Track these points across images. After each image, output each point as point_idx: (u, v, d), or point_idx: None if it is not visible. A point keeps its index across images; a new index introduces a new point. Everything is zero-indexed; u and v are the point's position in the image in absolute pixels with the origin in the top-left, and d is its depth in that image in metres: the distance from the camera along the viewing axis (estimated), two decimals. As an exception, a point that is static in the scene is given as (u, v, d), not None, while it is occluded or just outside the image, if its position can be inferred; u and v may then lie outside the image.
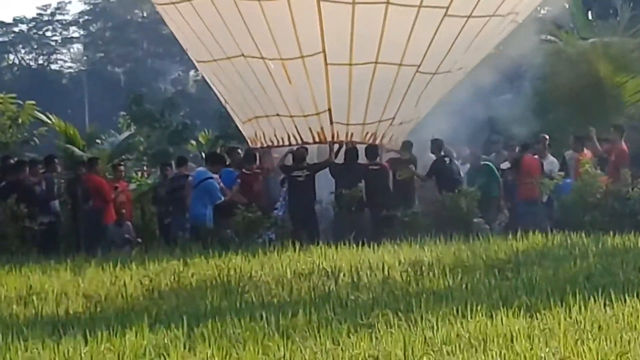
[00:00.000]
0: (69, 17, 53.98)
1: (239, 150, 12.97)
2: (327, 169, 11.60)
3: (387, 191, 11.25)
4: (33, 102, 16.80)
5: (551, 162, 12.06)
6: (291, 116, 12.50)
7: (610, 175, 10.83)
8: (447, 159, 11.74)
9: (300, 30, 11.60)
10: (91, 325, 5.07)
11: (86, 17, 54.00)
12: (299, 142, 12.31)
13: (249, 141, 13.30)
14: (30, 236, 10.39)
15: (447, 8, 11.65)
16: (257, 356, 4.14)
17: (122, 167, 13.55)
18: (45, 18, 53.25)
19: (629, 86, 15.98)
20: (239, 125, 13.94)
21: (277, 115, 12.63)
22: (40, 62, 54.17)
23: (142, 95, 20.82)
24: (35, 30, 53.46)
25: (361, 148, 12.23)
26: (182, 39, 13.92)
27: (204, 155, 16.27)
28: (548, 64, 15.80)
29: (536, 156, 12.18)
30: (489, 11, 11.97)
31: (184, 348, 4.31)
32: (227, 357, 4.18)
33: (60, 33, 55.11)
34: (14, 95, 16.69)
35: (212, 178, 11.18)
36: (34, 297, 6.67)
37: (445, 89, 13.17)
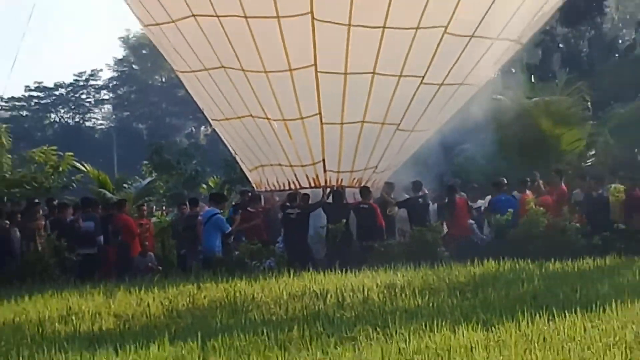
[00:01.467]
0: (100, 82, 53.49)
1: (249, 193, 12.59)
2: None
3: (375, 225, 10.72)
4: (71, 153, 16.43)
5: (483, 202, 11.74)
6: (291, 166, 12.31)
7: (552, 212, 10.32)
8: (421, 199, 11.40)
9: (301, 97, 11.43)
10: (120, 340, 5.00)
11: (115, 82, 53.63)
12: (298, 187, 12.06)
13: (254, 185, 13.05)
14: (70, 266, 10.13)
15: (423, 77, 11.42)
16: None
17: (145, 207, 13.04)
18: (81, 83, 53.02)
19: (566, 137, 15.81)
20: (245, 172, 13.62)
21: (279, 164, 12.40)
22: (77, 120, 53.60)
23: (161, 147, 20.29)
24: (72, 94, 52.99)
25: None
26: (198, 100, 13.60)
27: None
28: (499, 119, 15.42)
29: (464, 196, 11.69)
30: (458, 80, 11.84)
31: (199, 359, 4.30)
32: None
33: (93, 96, 54.74)
34: (55, 147, 16.37)
35: (219, 213, 10.91)
36: (73, 317, 6.52)
37: (420, 143, 12.85)
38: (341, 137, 11.80)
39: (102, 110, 56.62)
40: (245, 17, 10.73)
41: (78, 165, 16.59)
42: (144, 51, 50.76)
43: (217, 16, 10.92)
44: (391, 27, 10.77)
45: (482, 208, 11.49)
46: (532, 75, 19.48)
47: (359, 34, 10.80)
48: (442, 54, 11.15)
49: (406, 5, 10.63)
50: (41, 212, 11.26)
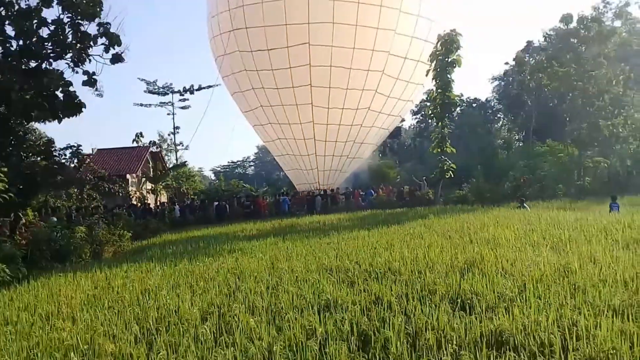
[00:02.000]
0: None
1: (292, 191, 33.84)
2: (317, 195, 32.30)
3: (335, 200, 31.97)
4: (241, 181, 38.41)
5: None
6: (308, 183, 32.69)
7: (386, 195, 31.29)
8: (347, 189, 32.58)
9: (308, 164, 32.04)
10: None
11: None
12: (312, 189, 32.80)
13: (297, 189, 34.31)
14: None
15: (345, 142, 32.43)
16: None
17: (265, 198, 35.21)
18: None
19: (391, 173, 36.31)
20: (293, 183, 34.87)
21: (307, 184, 33.23)
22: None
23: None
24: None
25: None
26: (270, 148, 34.60)
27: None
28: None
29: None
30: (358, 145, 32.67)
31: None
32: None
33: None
34: (242, 181, 37.90)
35: (287, 197, 32.40)
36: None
37: (353, 169, 33.63)
38: (324, 175, 32.44)
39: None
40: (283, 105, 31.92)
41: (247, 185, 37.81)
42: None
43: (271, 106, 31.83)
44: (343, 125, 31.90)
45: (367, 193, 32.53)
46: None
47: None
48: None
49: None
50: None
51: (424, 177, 32.44)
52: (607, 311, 5.85)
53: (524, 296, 6.55)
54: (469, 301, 6.54)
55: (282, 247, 13.08)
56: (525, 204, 22.32)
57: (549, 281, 7.20)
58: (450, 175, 28.40)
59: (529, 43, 38.57)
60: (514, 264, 8.30)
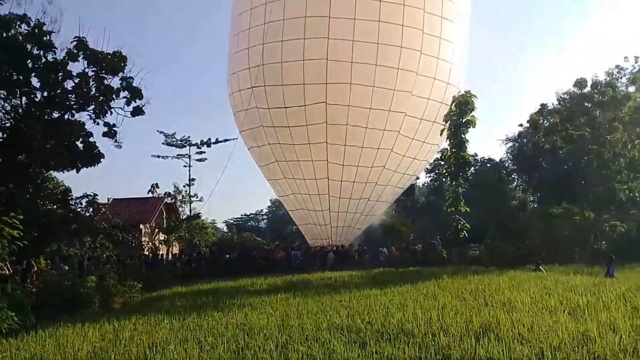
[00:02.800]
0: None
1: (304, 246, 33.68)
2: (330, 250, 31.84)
3: (348, 255, 31.36)
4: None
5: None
6: (321, 239, 32.56)
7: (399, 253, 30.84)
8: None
9: (321, 220, 31.81)
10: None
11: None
12: (323, 244, 32.46)
13: (310, 243, 34.07)
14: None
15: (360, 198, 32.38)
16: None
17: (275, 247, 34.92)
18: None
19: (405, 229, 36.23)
20: (306, 238, 34.65)
21: (319, 239, 32.81)
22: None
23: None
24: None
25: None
26: (284, 202, 34.57)
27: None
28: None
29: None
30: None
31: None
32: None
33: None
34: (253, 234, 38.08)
35: (297, 252, 32.09)
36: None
37: (367, 224, 33.42)
38: (337, 231, 32.04)
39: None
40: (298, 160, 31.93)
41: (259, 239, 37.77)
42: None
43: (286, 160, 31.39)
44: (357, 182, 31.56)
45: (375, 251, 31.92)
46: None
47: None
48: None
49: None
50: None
51: (438, 236, 32.14)
52: (630, 383, 5.61)
53: (541, 364, 6.32)
54: (484, 368, 6.32)
55: (293, 303, 12.87)
56: (541, 267, 21.91)
57: (567, 349, 6.96)
58: (465, 234, 28.12)
59: (543, 106, 38.85)
60: (530, 329, 8.07)
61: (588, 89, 32.84)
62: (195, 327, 10.25)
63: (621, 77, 41.76)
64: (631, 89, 39.58)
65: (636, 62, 42.92)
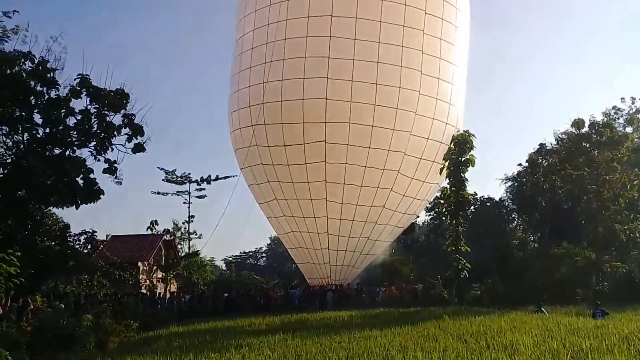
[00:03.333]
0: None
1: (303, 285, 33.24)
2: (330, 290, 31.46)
3: (345, 294, 30.82)
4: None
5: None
6: (320, 278, 31.46)
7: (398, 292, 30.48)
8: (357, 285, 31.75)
9: (320, 259, 31.47)
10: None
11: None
12: (322, 283, 31.80)
13: (309, 282, 33.67)
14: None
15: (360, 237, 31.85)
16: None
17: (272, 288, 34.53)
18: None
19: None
20: (305, 276, 34.18)
21: (319, 278, 31.57)
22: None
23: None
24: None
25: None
26: (284, 240, 34.08)
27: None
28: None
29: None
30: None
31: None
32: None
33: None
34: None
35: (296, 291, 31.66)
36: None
37: (367, 263, 33.05)
38: (336, 270, 31.66)
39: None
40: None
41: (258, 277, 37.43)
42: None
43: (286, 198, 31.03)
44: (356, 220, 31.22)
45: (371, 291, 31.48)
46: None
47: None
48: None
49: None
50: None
51: (439, 276, 31.85)
52: None
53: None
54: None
55: (292, 344, 12.63)
56: (543, 308, 21.66)
57: (571, 394, 6.81)
58: (465, 274, 27.90)
59: (542, 145, 39.08)
60: (533, 373, 7.91)
61: (586, 129, 33.13)
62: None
63: (618, 118, 42.25)
64: (628, 129, 39.98)
65: (633, 103, 43.54)
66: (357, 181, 27.96)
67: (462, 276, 28.03)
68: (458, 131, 29.25)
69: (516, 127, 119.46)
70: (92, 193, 21.25)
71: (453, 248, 28.47)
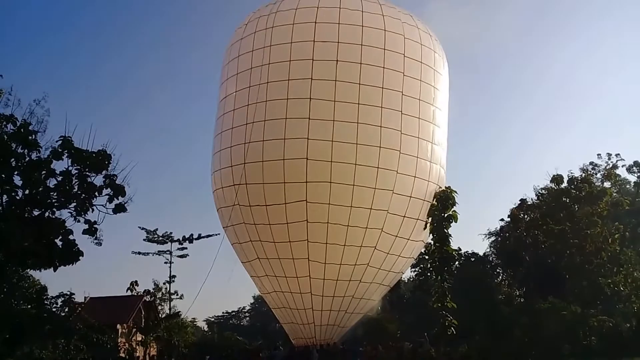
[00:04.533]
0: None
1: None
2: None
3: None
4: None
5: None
6: (305, 338, 30.75)
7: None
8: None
9: (304, 319, 30.49)
10: None
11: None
12: (306, 344, 31.21)
13: (293, 342, 32.59)
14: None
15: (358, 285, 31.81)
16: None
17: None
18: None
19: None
20: (289, 337, 33.11)
21: (303, 338, 30.91)
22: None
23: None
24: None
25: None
26: (267, 300, 33.14)
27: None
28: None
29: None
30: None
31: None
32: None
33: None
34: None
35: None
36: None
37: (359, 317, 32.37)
38: (321, 330, 30.97)
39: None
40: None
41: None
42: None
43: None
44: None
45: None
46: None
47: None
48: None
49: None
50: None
51: (425, 334, 31.45)
52: None
53: None
54: None
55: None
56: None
57: None
58: (452, 332, 27.60)
59: (523, 201, 39.55)
60: None
61: (565, 184, 33.72)
62: None
63: (596, 173, 43.08)
64: (606, 184, 40.73)
65: (609, 159, 44.54)
66: (340, 240, 27.71)
67: (449, 333, 27.70)
68: (439, 188, 29.55)
69: (497, 183, 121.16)
70: (71, 255, 20.93)
71: (439, 304, 28.18)
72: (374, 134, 27.89)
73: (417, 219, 29.19)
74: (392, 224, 28.49)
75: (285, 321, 31.61)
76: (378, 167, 27.63)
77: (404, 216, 28.65)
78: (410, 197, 28.64)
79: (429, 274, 39.51)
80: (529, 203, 38.77)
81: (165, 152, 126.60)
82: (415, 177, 28.74)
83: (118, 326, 37.39)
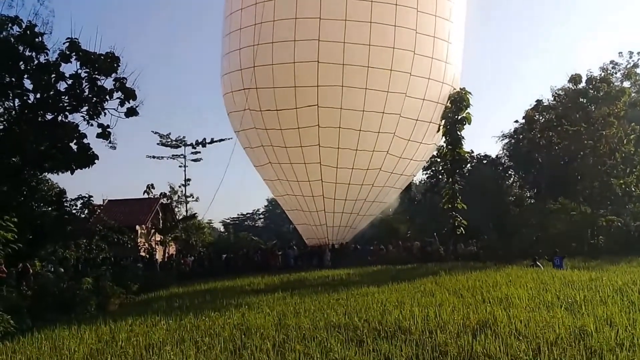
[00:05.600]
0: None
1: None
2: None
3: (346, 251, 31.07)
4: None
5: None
6: (318, 238, 31.25)
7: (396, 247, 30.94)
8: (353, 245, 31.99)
9: (317, 220, 31.16)
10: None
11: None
12: (321, 243, 31.83)
13: (307, 242, 33.74)
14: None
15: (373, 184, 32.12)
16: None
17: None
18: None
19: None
20: (303, 237, 34.09)
21: (316, 238, 31.16)
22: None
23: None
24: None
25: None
26: (280, 202, 33.64)
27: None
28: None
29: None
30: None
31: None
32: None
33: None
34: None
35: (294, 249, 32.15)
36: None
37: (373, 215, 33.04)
38: (333, 231, 31.43)
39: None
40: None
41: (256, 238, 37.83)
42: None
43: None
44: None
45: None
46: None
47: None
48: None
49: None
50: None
51: (435, 233, 32.17)
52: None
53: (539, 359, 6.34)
54: (481, 364, 6.33)
55: (290, 302, 12.85)
56: (538, 262, 22.00)
57: (564, 344, 6.98)
58: (462, 231, 28.20)
59: (539, 102, 38.78)
60: (527, 325, 8.08)
61: (583, 84, 32.90)
62: (192, 327, 10.23)
63: (615, 73, 41.90)
64: (626, 84, 39.71)
65: (630, 58, 43.12)
66: (352, 145, 27.75)
67: (458, 233, 28.31)
68: (454, 90, 29.06)
69: (512, 83, 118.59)
70: (86, 158, 21.24)
71: (449, 206, 28.71)
72: (388, 34, 27.06)
73: (430, 122, 28.96)
74: (405, 128, 28.33)
75: (299, 222, 32.38)
76: (391, 70, 27.06)
77: (417, 119, 28.42)
78: (424, 99, 28.27)
79: (440, 176, 39.84)
80: (545, 104, 38.09)
81: (176, 54, 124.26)
82: (429, 79, 28.17)
83: (137, 227, 38.55)
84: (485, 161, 52.51)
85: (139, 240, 37.44)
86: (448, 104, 28.61)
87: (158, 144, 47.75)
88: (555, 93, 39.31)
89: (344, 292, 14.12)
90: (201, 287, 21.26)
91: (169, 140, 47.75)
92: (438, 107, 28.83)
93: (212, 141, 46.42)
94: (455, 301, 10.87)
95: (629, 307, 9.46)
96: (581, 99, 32.75)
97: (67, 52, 20.57)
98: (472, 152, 44.63)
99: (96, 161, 21.49)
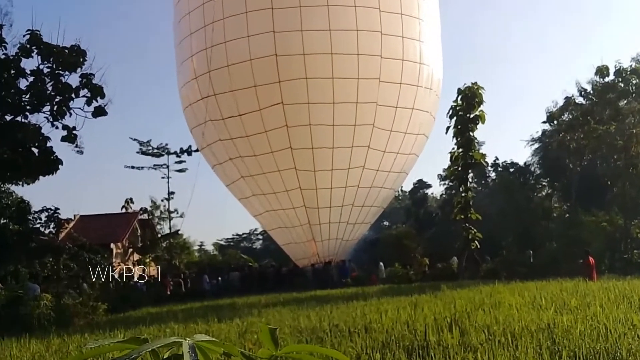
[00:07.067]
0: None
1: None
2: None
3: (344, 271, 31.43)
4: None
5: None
6: (307, 258, 30.85)
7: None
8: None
9: (302, 236, 30.88)
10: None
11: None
12: (311, 262, 31.53)
13: (297, 264, 33.60)
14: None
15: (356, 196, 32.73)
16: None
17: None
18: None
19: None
20: (292, 258, 33.45)
21: (304, 258, 31.44)
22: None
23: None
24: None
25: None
26: (260, 222, 34.36)
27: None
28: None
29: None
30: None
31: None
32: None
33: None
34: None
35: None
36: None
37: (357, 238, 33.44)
38: (322, 247, 30.88)
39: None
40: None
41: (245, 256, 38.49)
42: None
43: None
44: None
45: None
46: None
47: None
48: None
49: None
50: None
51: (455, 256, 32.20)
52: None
53: None
54: None
55: (264, 314, 13.35)
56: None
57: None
58: (476, 245, 28.28)
59: (568, 99, 39.23)
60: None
61: (611, 77, 33.21)
62: (149, 337, 10.71)
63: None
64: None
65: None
66: (327, 143, 27.75)
67: (472, 247, 28.41)
68: (464, 84, 29.41)
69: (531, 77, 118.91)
70: (48, 163, 21.73)
71: (462, 216, 28.85)
72: (349, 14, 27.10)
73: (412, 109, 29.08)
74: (384, 117, 28.38)
75: (284, 242, 32.48)
76: (358, 54, 27.23)
77: (396, 107, 28.48)
78: (401, 83, 28.30)
79: (451, 183, 40.07)
80: (571, 99, 38.37)
81: (151, 48, 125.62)
82: (403, 60, 28.26)
83: (112, 245, 39.18)
84: (512, 169, 52.76)
85: (114, 261, 38.01)
86: (458, 101, 28.71)
87: (138, 152, 48.19)
88: (581, 88, 39.66)
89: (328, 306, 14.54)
90: (178, 307, 21.74)
91: (150, 147, 48.08)
92: (419, 92, 29.09)
93: (197, 149, 46.96)
94: (443, 309, 11.31)
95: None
96: (609, 95, 33.06)
97: (28, 46, 21.17)
98: (486, 156, 44.98)
99: (60, 166, 21.97)
